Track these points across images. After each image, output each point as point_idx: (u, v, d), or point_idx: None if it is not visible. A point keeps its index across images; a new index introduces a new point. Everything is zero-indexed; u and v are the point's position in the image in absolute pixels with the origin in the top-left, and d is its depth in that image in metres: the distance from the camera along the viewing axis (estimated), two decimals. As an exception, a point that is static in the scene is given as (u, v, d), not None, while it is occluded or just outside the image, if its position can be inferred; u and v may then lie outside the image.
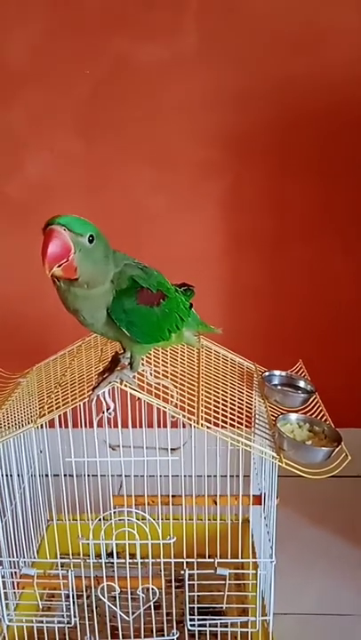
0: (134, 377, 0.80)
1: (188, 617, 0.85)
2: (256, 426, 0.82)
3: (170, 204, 1.42)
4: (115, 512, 0.86)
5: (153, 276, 0.76)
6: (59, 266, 0.64)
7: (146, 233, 1.44)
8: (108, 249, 0.70)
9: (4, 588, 0.86)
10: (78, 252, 0.65)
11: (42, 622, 0.89)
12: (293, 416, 0.85)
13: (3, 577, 0.86)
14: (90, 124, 1.38)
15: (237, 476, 0.96)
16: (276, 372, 0.98)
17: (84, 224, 0.66)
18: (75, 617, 0.86)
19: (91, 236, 0.66)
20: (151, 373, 0.87)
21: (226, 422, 0.78)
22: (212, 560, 0.84)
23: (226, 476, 0.96)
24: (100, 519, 0.85)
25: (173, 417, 0.81)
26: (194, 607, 0.86)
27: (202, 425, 0.76)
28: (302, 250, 1.45)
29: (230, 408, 0.82)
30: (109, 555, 0.94)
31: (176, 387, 0.85)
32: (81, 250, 0.65)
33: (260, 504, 0.95)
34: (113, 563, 0.87)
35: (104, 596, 0.86)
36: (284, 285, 1.48)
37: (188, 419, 0.77)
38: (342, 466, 0.74)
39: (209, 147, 1.38)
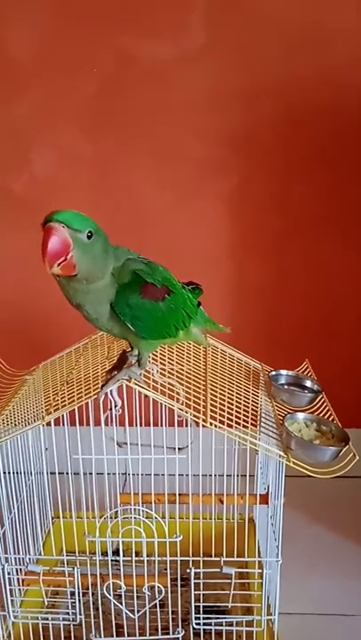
0: (141, 375, 0.80)
1: (193, 615, 0.85)
2: (263, 425, 0.82)
3: (175, 202, 1.42)
4: (121, 510, 0.86)
5: (158, 271, 0.76)
6: (58, 264, 0.64)
7: (151, 231, 1.44)
8: (107, 244, 0.70)
9: (10, 584, 0.86)
10: (77, 248, 0.65)
11: (47, 619, 0.89)
12: (301, 415, 0.84)
13: (9, 574, 0.86)
14: (95, 122, 1.38)
15: (243, 475, 0.96)
16: (283, 372, 0.98)
17: (83, 220, 0.66)
18: (80, 614, 0.86)
19: (89, 231, 0.66)
20: (158, 371, 0.87)
21: (232, 421, 0.78)
22: (218, 559, 0.84)
23: (231, 475, 0.96)
24: (106, 517, 0.85)
25: (180, 416, 0.81)
26: (199, 606, 0.86)
27: (209, 423, 0.75)
28: (308, 249, 1.44)
29: (236, 407, 0.82)
30: (115, 552, 0.94)
31: (182, 385, 0.85)
32: (80, 246, 0.65)
33: (267, 503, 0.95)
34: (119, 560, 0.87)
35: (109, 594, 0.86)
36: (289, 285, 1.47)
37: (196, 417, 0.77)
38: (350, 466, 0.74)
39: (214, 145, 1.38)
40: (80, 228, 0.65)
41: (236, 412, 0.81)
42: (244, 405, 0.84)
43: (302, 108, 1.35)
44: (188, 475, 0.89)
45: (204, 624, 0.86)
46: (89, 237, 0.66)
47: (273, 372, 0.97)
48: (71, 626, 0.87)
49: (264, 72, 1.33)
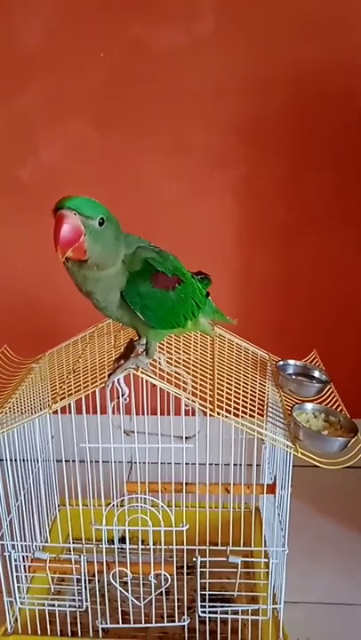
0: (148, 364, 0.80)
1: (199, 603, 0.86)
2: (270, 415, 0.81)
3: (183, 192, 1.41)
4: (128, 498, 0.86)
5: (169, 260, 0.76)
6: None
7: (158, 220, 1.42)
8: (118, 231, 0.69)
9: (17, 571, 0.87)
10: (88, 234, 0.64)
11: (53, 606, 0.90)
12: (309, 406, 0.84)
13: (15, 560, 0.86)
14: (104, 110, 1.36)
15: (250, 464, 0.95)
16: (291, 362, 0.97)
17: (95, 207, 0.65)
18: (86, 601, 0.87)
19: (101, 218, 0.65)
20: (165, 360, 0.87)
21: (239, 410, 0.78)
22: (224, 548, 0.84)
23: (237, 464, 0.96)
24: (113, 505, 0.85)
25: (187, 405, 0.81)
26: (205, 594, 0.86)
27: (217, 413, 0.75)
28: (316, 240, 1.43)
29: (243, 396, 0.82)
30: (121, 540, 0.94)
31: (190, 374, 0.84)
32: (91, 232, 0.64)
33: (274, 493, 0.95)
34: (125, 548, 0.87)
35: (116, 581, 0.86)
36: (297, 275, 1.46)
37: (203, 406, 0.77)
38: (358, 457, 0.74)
39: (223, 134, 1.37)
40: (92, 215, 0.64)
41: (243, 401, 0.80)
42: (251, 395, 0.83)
43: (313, 98, 1.33)
44: (194, 464, 0.89)
45: (210, 612, 0.87)
46: (101, 224, 0.65)
47: (281, 362, 0.97)
48: (77, 612, 0.88)
49: (275, 59, 1.31)
